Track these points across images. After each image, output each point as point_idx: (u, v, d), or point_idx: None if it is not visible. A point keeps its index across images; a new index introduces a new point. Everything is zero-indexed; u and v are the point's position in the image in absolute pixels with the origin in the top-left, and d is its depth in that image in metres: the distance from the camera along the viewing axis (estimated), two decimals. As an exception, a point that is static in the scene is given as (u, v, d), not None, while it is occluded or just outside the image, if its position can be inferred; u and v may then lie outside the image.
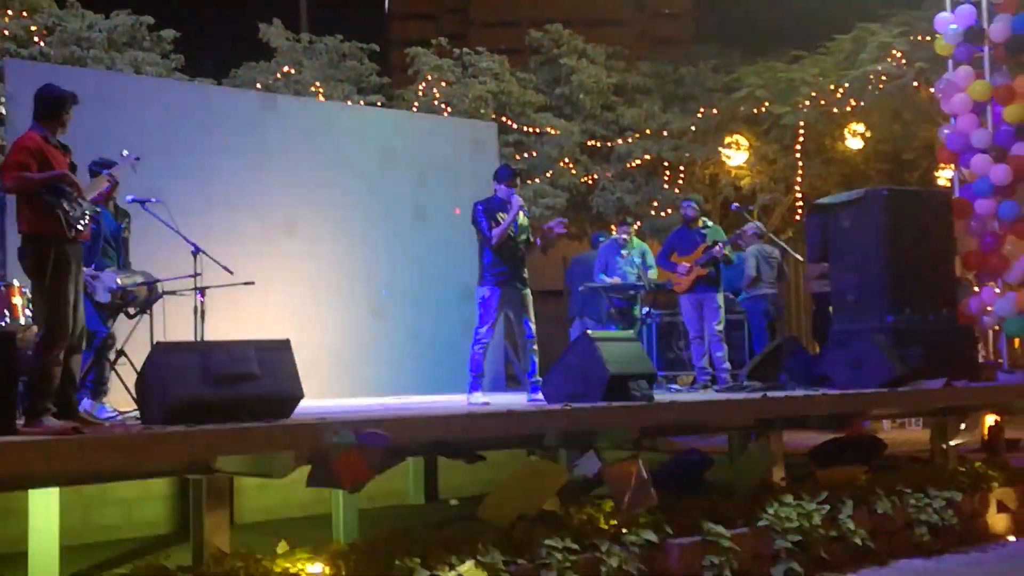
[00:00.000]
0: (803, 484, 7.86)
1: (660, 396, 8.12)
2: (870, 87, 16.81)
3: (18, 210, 5.70)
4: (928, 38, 13.59)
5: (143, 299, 7.43)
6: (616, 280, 10.94)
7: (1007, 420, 10.72)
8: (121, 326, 7.51)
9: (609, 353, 7.38)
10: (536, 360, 8.24)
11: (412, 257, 11.89)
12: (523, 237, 8.28)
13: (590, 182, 18.59)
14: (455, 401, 8.45)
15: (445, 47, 18.41)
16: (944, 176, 15.23)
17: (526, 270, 8.37)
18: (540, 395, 7.84)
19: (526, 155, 17.84)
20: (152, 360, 5.70)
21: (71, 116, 5.90)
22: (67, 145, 5.93)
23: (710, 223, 10.51)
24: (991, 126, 11.23)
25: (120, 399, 7.21)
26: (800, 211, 18.08)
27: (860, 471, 8.19)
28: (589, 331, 8.35)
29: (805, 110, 17.30)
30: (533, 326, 8.25)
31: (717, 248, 9.93)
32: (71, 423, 5.43)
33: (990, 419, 10.43)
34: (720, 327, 9.95)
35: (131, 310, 7.43)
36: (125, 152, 6.72)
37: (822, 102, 17.28)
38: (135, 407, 6.14)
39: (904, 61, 16.44)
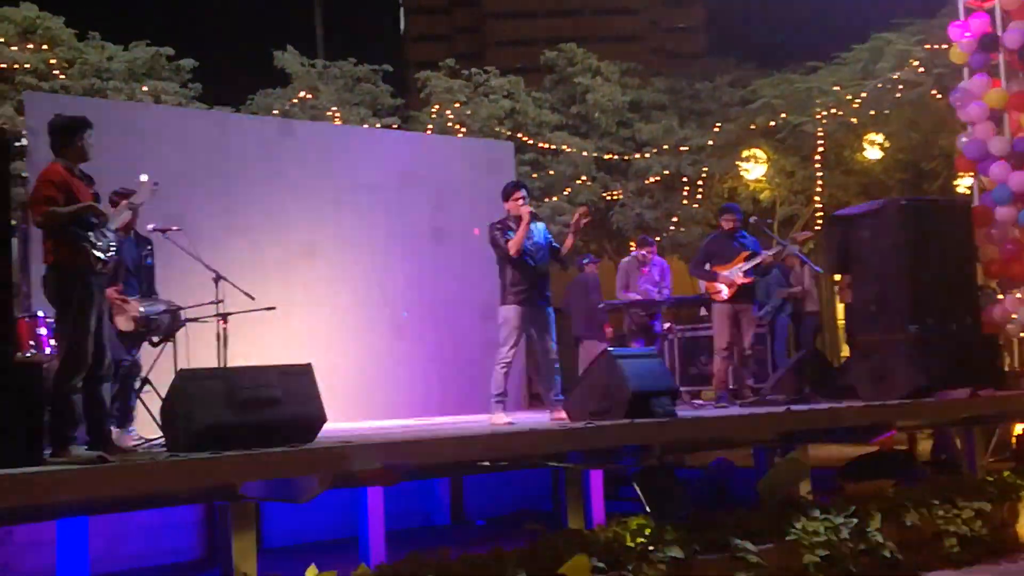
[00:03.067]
0: (831, 498, 7.83)
1: (683, 412, 8.10)
2: (887, 96, 16.75)
3: (44, 242, 5.74)
4: (944, 46, 13.53)
5: (166, 327, 7.49)
6: (637, 297, 10.92)
7: (1035, 428, 10.64)
8: (145, 354, 7.57)
9: (631, 370, 7.38)
10: (559, 378, 8.23)
11: (432, 278, 11.93)
12: (541, 255, 8.26)
13: (609, 198, 18.60)
14: (478, 421, 8.46)
15: (455, 68, 18.49)
16: (964, 184, 15.15)
17: (548, 288, 8.35)
18: (563, 413, 7.84)
19: (543, 173, 17.88)
20: (176, 387, 5.74)
21: (88, 142, 5.83)
22: (90, 176, 5.95)
23: (747, 233, 10.17)
24: (1009, 133, 11.18)
25: (146, 426, 7.26)
26: (820, 222, 18.00)
27: (888, 484, 8.14)
28: (611, 348, 8.34)
29: (823, 120, 17.26)
30: (555, 345, 8.23)
31: (765, 255, 9.70)
32: (97, 452, 5.46)
33: (1018, 428, 10.36)
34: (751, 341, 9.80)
35: (155, 338, 7.50)
36: (144, 177, 6.64)
37: (840, 112, 17.23)
38: (160, 434, 6.17)
39: (922, 69, 16.39)
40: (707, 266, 9.69)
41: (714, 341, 9.79)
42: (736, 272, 9.48)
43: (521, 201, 8.24)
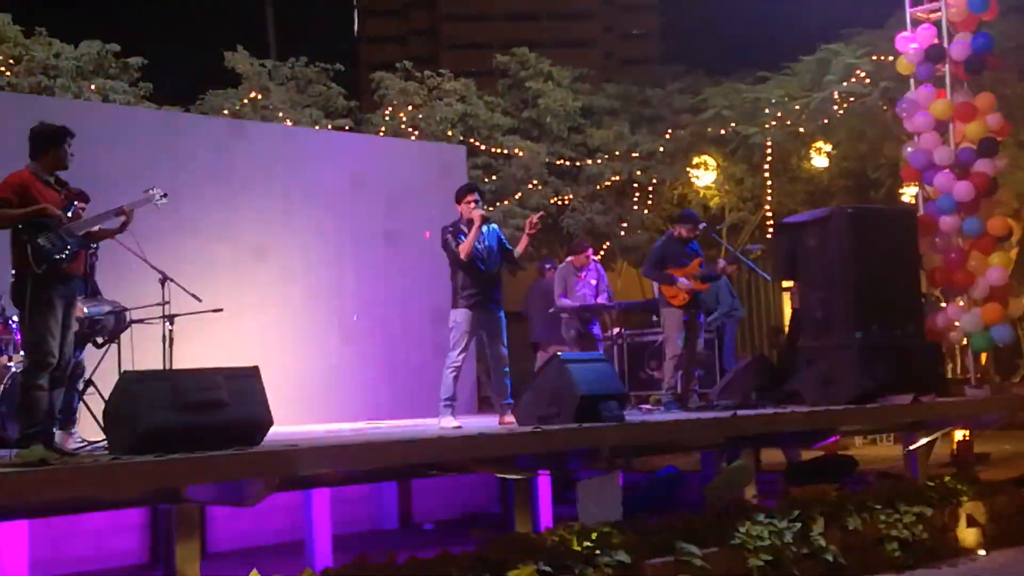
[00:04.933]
0: (776, 502, 7.91)
1: (631, 416, 8.14)
2: (835, 107, 16.98)
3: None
4: (891, 58, 13.73)
5: (111, 328, 7.41)
6: (573, 303, 10.93)
7: (976, 435, 10.83)
8: (89, 355, 7.47)
9: (579, 374, 7.41)
10: (509, 383, 8.24)
11: (382, 281, 11.89)
12: (492, 259, 8.26)
13: (560, 203, 18.66)
14: (427, 425, 8.45)
15: (410, 70, 18.45)
16: (909, 193, 15.38)
17: (500, 292, 8.36)
18: (512, 418, 7.85)
19: (494, 177, 17.90)
20: (119, 389, 5.68)
21: (68, 151, 6.02)
22: (64, 180, 6.09)
23: (696, 241, 10.22)
24: (953, 143, 11.36)
25: (89, 429, 7.17)
26: (769, 230, 18.19)
27: (831, 488, 8.24)
28: (559, 353, 8.37)
29: (771, 130, 17.45)
30: (506, 349, 8.23)
31: (722, 263, 9.75)
32: (39, 455, 5.39)
33: (959, 434, 10.53)
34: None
35: (99, 339, 7.41)
36: (153, 190, 6.72)
37: (788, 122, 17.43)
38: (103, 437, 6.10)
39: (868, 81, 16.62)
40: (664, 269, 9.63)
41: (665, 346, 9.78)
42: (694, 278, 9.57)
43: (473, 204, 8.22)
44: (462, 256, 8.07)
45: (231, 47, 17.13)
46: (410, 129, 17.12)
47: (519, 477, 7.47)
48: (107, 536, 8.00)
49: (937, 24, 11.54)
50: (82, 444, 6.88)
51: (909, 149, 11.71)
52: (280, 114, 16.03)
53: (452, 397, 8.12)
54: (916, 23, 11.75)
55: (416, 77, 18.31)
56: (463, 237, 8.12)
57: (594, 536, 6.55)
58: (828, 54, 17.54)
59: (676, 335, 9.56)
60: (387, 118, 17.43)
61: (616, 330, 11.51)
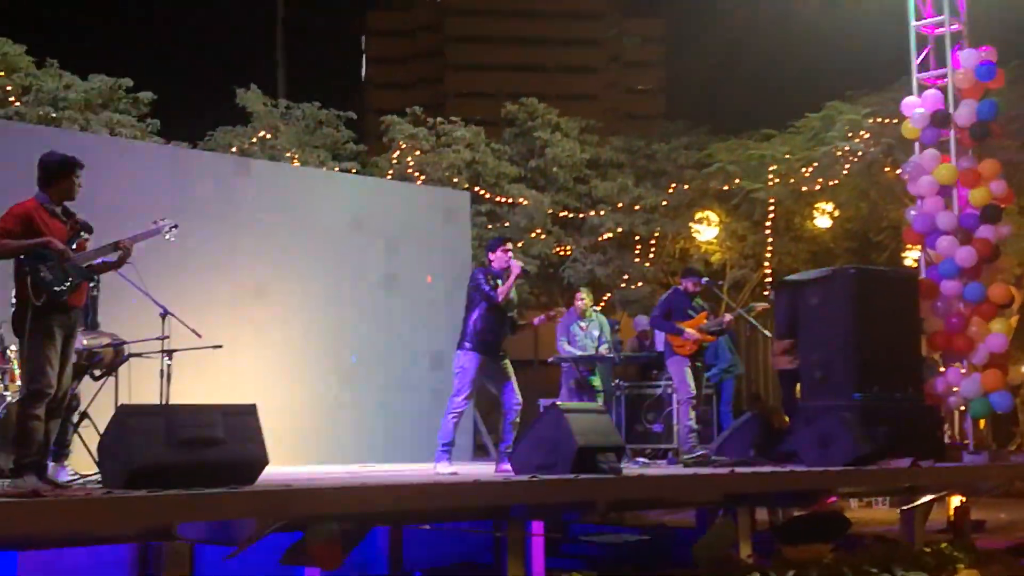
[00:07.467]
0: (771, 561, 7.82)
1: (628, 469, 8.08)
2: (838, 165, 17.04)
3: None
4: (895, 120, 13.81)
5: (109, 361, 7.36)
6: (576, 352, 10.93)
7: (972, 501, 10.73)
8: (86, 387, 7.43)
9: (578, 425, 7.35)
10: (513, 431, 8.22)
11: (382, 324, 11.86)
12: (510, 309, 8.40)
13: (562, 253, 18.70)
14: (423, 470, 8.38)
15: (420, 116, 18.56)
16: (911, 256, 15.39)
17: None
18: (508, 466, 7.79)
19: (498, 224, 17.94)
20: (115, 423, 5.63)
21: (77, 182, 6.01)
22: (71, 211, 6.08)
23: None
24: (957, 209, 11.38)
25: (82, 462, 7.11)
26: (769, 287, 18.19)
27: (826, 549, 8.15)
28: (558, 402, 8.34)
29: (775, 187, 17.51)
30: (519, 396, 8.26)
31: (728, 318, 9.99)
32: (31, 486, 5.36)
33: (956, 500, 10.44)
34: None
35: (96, 371, 7.36)
36: (163, 221, 6.72)
37: (791, 180, 17.51)
38: (97, 470, 6.05)
39: (871, 141, 16.71)
40: (671, 321, 9.79)
41: (677, 392, 9.92)
42: (700, 330, 9.67)
43: (510, 254, 8.42)
44: (500, 299, 8.16)
45: (242, 85, 17.24)
46: (416, 174, 17.19)
47: (512, 527, 7.38)
48: (94, 573, 7.88)
49: (943, 89, 11.62)
50: (75, 477, 6.81)
51: (912, 212, 11.73)
52: (288, 154, 16.10)
53: (451, 443, 8.10)
54: (922, 88, 11.82)
55: (425, 123, 18.42)
56: (497, 283, 8.26)
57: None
58: (832, 111, 17.67)
59: (686, 379, 9.67)
60: (395, 162, 17.50)
61: (615, 381, 11.46)
